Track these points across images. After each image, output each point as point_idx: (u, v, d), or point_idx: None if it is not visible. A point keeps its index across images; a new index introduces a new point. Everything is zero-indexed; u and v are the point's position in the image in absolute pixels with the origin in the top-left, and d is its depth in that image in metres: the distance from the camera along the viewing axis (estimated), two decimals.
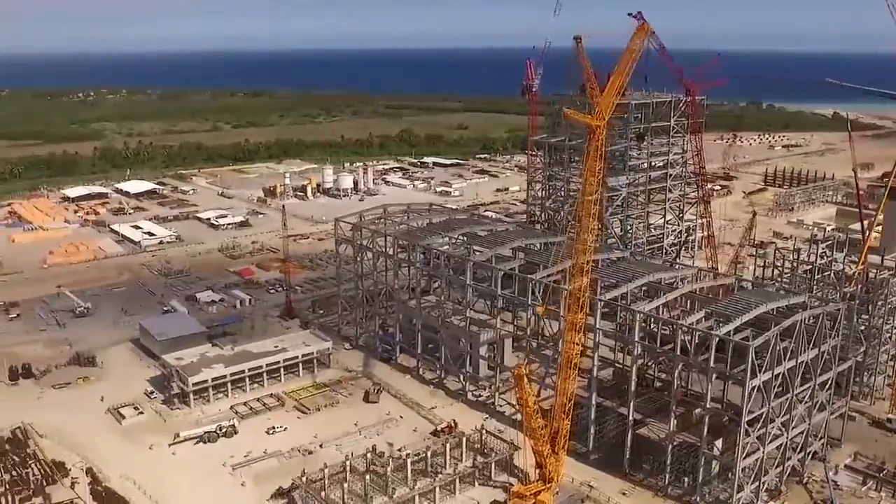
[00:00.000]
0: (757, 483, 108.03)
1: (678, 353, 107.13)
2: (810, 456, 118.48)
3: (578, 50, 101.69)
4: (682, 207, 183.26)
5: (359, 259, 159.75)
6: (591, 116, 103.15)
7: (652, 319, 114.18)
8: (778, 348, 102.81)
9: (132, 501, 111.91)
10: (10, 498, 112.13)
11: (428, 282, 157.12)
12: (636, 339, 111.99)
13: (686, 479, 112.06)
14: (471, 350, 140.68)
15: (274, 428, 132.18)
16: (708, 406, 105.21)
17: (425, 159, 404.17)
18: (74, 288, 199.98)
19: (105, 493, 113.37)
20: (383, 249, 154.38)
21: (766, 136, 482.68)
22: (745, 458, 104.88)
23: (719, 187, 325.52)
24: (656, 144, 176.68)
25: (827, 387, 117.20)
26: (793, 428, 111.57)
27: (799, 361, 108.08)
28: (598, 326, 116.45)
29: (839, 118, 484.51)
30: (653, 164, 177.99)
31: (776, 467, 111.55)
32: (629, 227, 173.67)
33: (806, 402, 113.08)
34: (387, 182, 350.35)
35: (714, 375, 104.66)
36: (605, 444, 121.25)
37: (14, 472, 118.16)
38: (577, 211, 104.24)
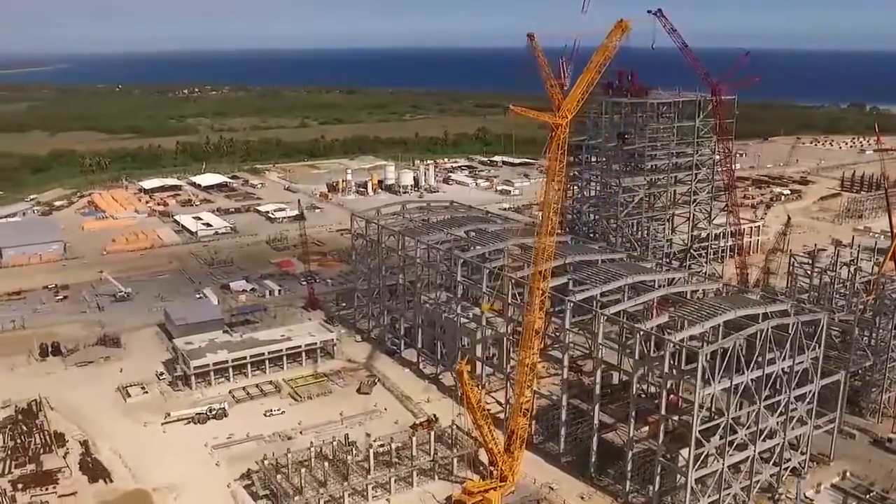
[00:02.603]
0: (717, 496, 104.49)
1: (637, 357, 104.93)
2: (788, 472, 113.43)
3: (533, 47, 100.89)
4: (710, 212, 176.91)
5: (370, 253, 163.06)
6: (549, 114, 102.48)
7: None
8: (737, 356, 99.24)
9: (113, 472, 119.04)
10: (8, 463, 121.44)
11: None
12: (599, 341, 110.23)
13: (651, 488, 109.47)
14: (461, 346, 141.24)
15: (272, 411, 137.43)
16: (663, 413, 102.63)
17: (494, 158, 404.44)
18: (124, 274, 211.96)
19: (91, 463, 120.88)
20: (392, 245, 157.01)
21: (861, 139, 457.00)
22: (701, 470, 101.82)
23: (788, 192, 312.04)
24: (682, 146, 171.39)
25: (808, 400, 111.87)
26: (762, 441, 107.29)
27: (767, 371, 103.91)
28: (567, 327, 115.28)
29: None
30: (679, 164, 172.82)
31: (742, 481, 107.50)
32: (648, 230, 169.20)
33: (780, 415, 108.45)
34: (449, 181, 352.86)
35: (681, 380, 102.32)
36: (578, 446, 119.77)
37: (18, 441, 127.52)
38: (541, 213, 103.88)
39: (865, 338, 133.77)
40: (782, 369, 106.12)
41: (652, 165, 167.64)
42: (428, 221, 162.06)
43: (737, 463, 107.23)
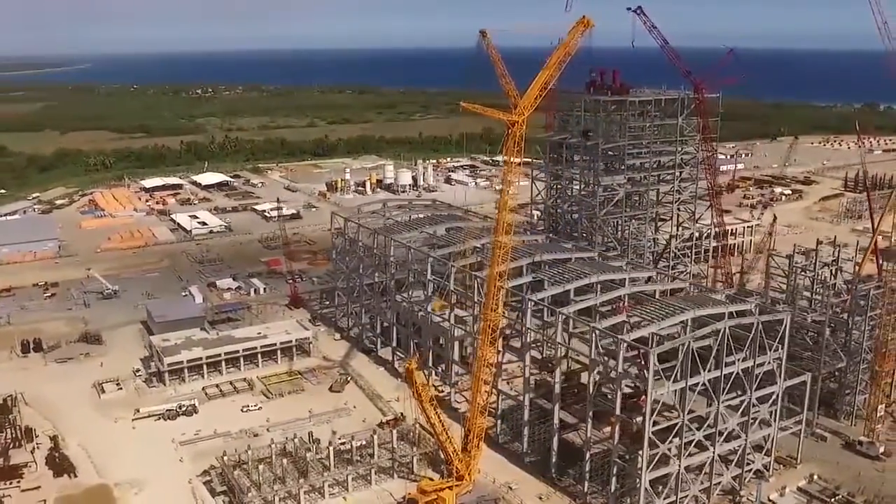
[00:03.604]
0: (674, 498, 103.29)
1: (591, 356, 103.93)
2: (752, 474, 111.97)
3: (485, 44, 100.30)
4: (694, 211, 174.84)
5: (348, 251, 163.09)
6: (505, 112, 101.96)
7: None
8: (692, 357, 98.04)
9: (78, 467, 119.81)
10: None
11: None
12: (559, 340, 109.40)
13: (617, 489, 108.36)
14: (433, 345, 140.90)
15: (248, 406, 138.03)
16: (617, 413, 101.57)
17: (497, 157, 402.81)
18: (115, 272, 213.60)
19: (58, 458, 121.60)
20: (369, 243, 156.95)
21: (871, 139, 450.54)
22: (656, 471, 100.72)
23: (790, 192, 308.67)
24: (664, 144, 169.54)
25: (772, 401, 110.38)
26: (721, 443, 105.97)
27: (726, 372, 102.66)
28: (528, 327, 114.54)
29: None
30: (662, 163, 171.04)
31: (701, 483, 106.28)
32: (628, 230, 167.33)
33: (742, 416, 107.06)
34: (450, 180, 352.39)
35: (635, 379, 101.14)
36: (542, 446, 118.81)
37: None
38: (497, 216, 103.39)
39: (842, 339, 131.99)
40: (742, 370, 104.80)
41: (632, 164, 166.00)
42: (408, 220, 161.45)
43: (697, 464, 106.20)
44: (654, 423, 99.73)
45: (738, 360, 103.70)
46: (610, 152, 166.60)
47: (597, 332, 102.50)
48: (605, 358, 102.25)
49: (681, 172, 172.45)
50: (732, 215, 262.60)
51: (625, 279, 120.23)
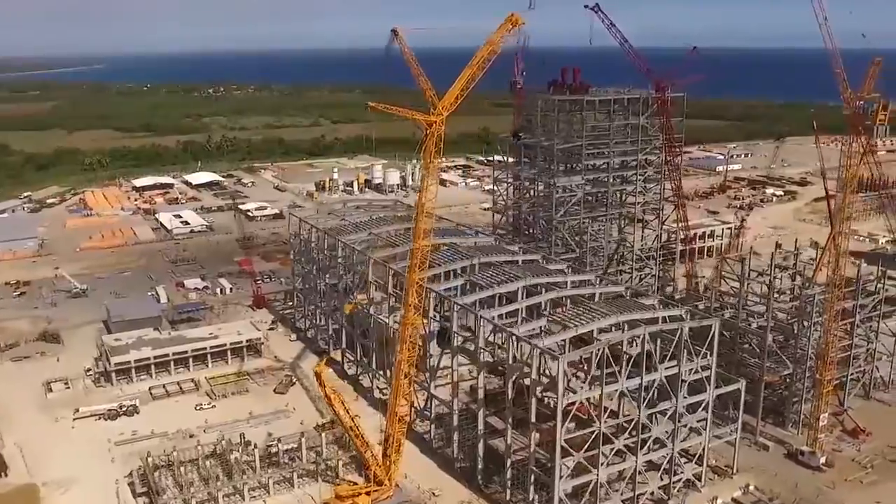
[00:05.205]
0: None
1: (511, 363, 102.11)
2: (681, 484, 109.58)
3: (398, 42, 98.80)
4: (659, 214, 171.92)
5: (303, 252, 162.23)
6: (422, 113, 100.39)
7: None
8: (607, 363, 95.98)
9: (11, 466, 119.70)
10: None
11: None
12: (481, 346, 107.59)
13: (537, 498, 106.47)
14: (377, 348, 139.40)
15: (201, 405, 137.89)
16: (532, 421, 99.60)
17: (491, 158, 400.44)
18: (90, 271, 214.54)
19: None
20: (316, 244, 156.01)
21: (877, 139, 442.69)
22: (571, 480, 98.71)
23: (781, 193, 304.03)
24: (628, 144, 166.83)
25: (701, 408, 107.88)
26: (647, 451, 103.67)
27: (649, 379, 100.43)
28: (455, 331, 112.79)
29: None
30: (625, 164, 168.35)
31: (624, 492, 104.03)
32: (587, 233, 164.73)
33: (669, 424, 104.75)
34: (442, 180, 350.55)
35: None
36: (472, 452, 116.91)
37: None
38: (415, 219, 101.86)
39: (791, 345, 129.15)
40: (668, 377, 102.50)
41: (592, 164, 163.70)
42: (361, 221, 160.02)
43: (621, 473, 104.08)
44: (569, 431, 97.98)
45: (662, 367, 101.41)
46: (567, 153, 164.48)
47: (514, 337, 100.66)
48: (522, 363, 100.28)
49: (645, 173, 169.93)
50: (720, 216, 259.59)
51: (560, 283, 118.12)
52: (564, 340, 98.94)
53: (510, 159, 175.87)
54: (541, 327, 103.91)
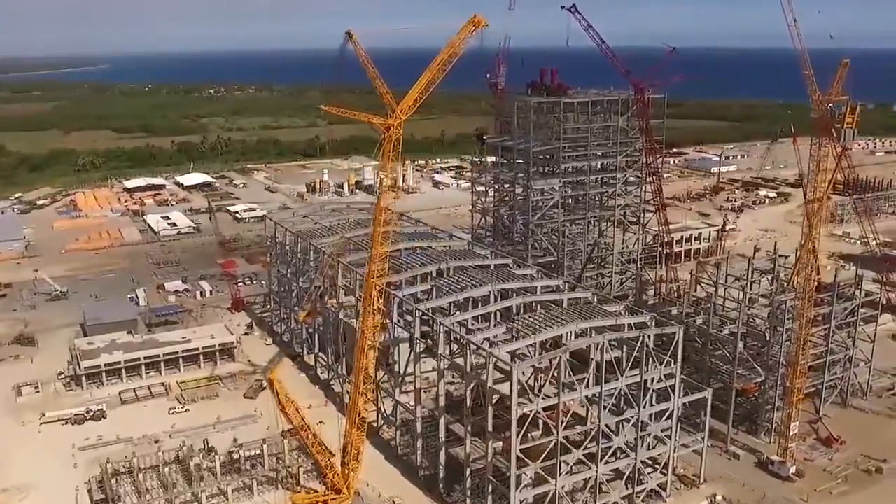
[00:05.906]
0: None
1: (468, 371, 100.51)
2: (645, 494, 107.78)
3: (352, 45, 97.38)
4: (640, 217, 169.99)
5: (279, 255, 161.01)
6: (378, 116, 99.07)
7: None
8: (565, 371, 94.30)
9: None
10: None
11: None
12: (441, 352, 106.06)
13: None
14: (347, 352, 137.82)
15: (175, 409, 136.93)
16: (489, 430, 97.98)
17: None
18: (73, 273, 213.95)
19: None
20: (289, 247, 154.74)
21: (877, 140, 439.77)
22: (529, 490, 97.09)
23: (775, 194, 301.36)
24: (608, 146, 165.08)
25: (665, 417, 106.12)
26: (605, 462, 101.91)
27: (606, 389, 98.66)
28: (417, 338, 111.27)
29: None
30: (604, 166, 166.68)
31: (584, 502, 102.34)
32: (564, 236, 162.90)
33: (630, 433, 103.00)
34: (435, 182, 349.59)
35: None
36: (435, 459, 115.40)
37: None
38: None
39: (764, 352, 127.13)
40: (627, 385, 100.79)
41: (570, 167, 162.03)
42: (335, 224, 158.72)
43: (582, 483, 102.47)
44: (533, 439, 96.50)
45: (623, 375, 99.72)
46: (545, 155, 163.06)
47: (470, 345, 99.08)
48: (477, 372, 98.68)
49: (624, 175, 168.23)
50: (711, 218, 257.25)
51: (528, 289, 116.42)
52: (525, 347, 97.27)
53: (491, 161, 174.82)
54: (500, 334, 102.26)
